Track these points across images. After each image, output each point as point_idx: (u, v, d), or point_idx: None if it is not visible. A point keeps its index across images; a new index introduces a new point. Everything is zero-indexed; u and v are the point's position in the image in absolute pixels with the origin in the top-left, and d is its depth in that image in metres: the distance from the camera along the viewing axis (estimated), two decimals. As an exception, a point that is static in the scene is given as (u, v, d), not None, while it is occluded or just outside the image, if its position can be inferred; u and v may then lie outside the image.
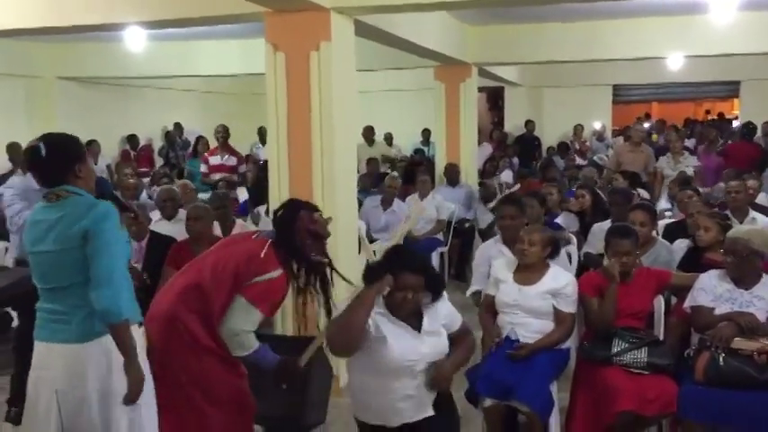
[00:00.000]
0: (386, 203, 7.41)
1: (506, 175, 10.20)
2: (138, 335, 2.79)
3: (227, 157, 8.50)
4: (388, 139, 12.83)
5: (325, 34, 4.48)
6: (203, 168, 8.58)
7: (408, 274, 2.93)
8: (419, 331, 3.00)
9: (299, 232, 3.17)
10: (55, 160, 2.70)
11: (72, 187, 2.71)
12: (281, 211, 3.27)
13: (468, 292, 4.48)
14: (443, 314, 3.11)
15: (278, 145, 4.61)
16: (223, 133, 8.68)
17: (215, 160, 8.52)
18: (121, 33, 7.43)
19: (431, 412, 3.01)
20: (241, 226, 5.65)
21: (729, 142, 10.06)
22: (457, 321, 3.18)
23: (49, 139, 2.74)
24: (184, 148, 12.02)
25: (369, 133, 11.39)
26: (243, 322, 3.03)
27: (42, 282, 2.75)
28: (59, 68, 10.03)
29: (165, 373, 3.08)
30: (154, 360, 3.03)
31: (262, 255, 3.05)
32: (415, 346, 2.97)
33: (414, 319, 3.01)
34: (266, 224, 5.60)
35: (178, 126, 12.65)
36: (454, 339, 3.14)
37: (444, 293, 3.13)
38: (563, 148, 11.91)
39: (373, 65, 8.52)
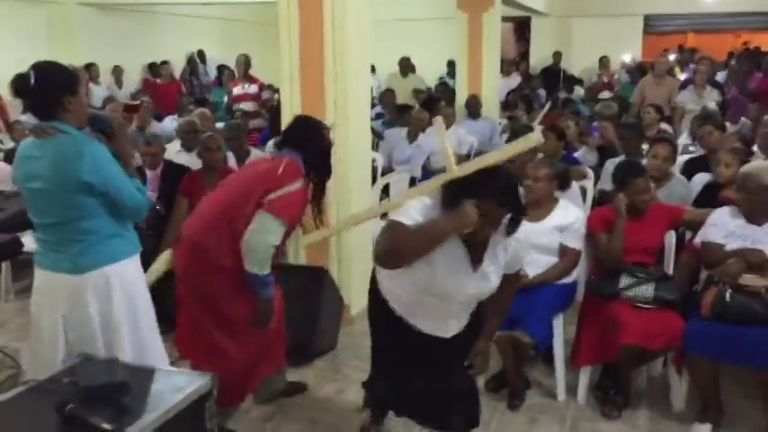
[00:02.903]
0: (411, 136, 7.34)
1: (531, 108, 10.04)
2: (136, 265, 2.86)
3: (247, 85, 8.50)
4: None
5: (340, -41, 4.36)
6: (226, 99, 8.59)
7: (493, 205, 2.43)
8: (474, 269, 2.59)
9: (326, 151, 3.33)
10: (43, 90, 2.63)
11: (59, 123, 2.66)
12: (306, 130, 3.33)
13: None
14: (508, 253, 2.66)
15: (290, 75, 4.56)
16: (245, 63, 8.63)
17: (237, 90, 8.56)
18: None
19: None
20: (256, 156, 5.66)
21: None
22: (518, 262, 2.77)
23: (39, 67, 2.66)
24: (206, 76, 11.98)
25: (404, 64, 11.08)
26: (267, 234, 3.01)
27: (36, 216, 2.77)
28: (79, -6, 10.01)
29: (190, 296, 3.22)
30: (180, 283, 3.21)
31: (279, 171, 3.12)
32: (463, 284, 2.59)
33: (477, 250, 2.58)
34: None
35: (201, 53, 12.58)
36: (500, 286, 2.72)
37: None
38: (570, 82, 11.55)
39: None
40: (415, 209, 2.52)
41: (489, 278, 2.62)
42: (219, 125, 6.95)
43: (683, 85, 8.75)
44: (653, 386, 3.84)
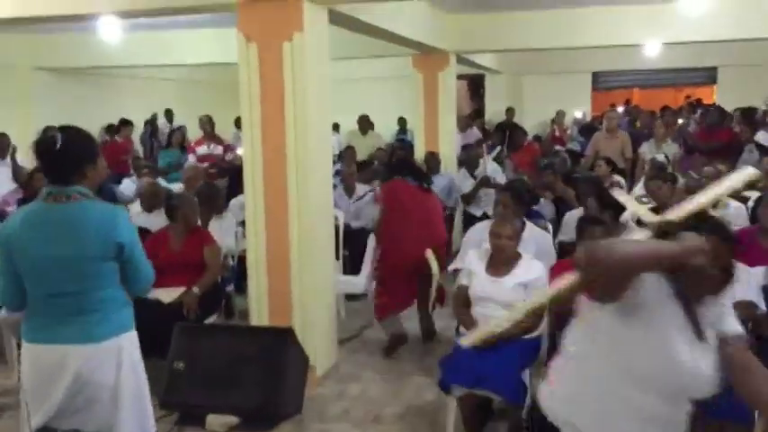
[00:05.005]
0: (349, 191, 7.21)
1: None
2: (134, 338, 2.76)
3: (213, 146, 8.58)
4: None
5: (298, 25, 4.43)
6: (192, 159, 8.57)
7: (717, 241, 1.92)
8: (700, 337, 1.93)
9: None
10: (67, 155, 2.57)
11: (83, 189, 2.61)
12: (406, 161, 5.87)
13: (451, 267, 4.69)
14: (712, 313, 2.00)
15: (252, 136, 4.59)
16: (209, 123, 8.76)
17: (202, 150, 8.63)
18: (96, 24, 7.36)
19: None
20: (225, 216, 5.79)
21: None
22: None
23: (66, 132, 2.60)
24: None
25: (363, 122, 11.33)
26: None
27: (44, 287, 2.60)
28: (35, 59, 9.94)
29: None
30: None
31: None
32: (695, 356, 1.91)
33: (692, 313, 1.95)
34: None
35: (169, 112, 12.57)
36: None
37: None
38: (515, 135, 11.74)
39: (349, 53, 8.48)
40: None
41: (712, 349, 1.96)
42: (175, 186, 6.96)
43: (643, 137, 9.02)
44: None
